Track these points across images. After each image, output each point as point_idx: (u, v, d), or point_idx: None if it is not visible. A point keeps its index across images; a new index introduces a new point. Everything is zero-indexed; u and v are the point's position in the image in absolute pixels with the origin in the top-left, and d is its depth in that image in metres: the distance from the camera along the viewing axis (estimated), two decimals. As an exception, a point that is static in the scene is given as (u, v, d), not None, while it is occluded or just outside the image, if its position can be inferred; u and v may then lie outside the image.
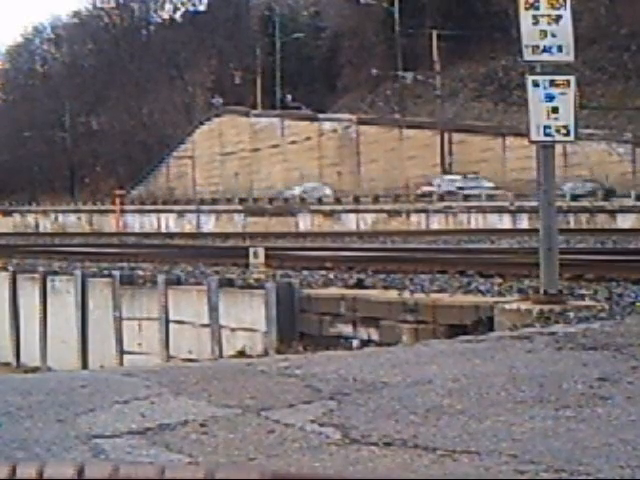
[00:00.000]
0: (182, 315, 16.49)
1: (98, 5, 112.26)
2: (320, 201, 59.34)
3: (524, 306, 9.86)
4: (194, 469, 1.44)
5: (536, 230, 11.11)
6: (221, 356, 14.62)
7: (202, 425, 5.18)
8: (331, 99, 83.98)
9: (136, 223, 66.58)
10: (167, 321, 16.78)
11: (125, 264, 22.08)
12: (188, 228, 61.60)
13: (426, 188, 56.38)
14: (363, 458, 4.49)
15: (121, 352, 18.03)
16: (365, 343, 12.24)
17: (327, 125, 74.31)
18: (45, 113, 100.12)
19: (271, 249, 20.18)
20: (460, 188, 53.41)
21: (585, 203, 42.92)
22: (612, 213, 40.77)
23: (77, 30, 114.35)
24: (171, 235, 49.19)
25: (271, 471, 1.40)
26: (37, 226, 76.55)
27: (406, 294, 12.49)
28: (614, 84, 63.34)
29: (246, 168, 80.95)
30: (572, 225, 38.51)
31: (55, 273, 21.40)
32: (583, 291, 11.49)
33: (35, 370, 17.75)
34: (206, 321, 15.74)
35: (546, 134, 9.99)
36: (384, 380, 6.26)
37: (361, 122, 71.71)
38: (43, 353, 20.59)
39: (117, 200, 68.82)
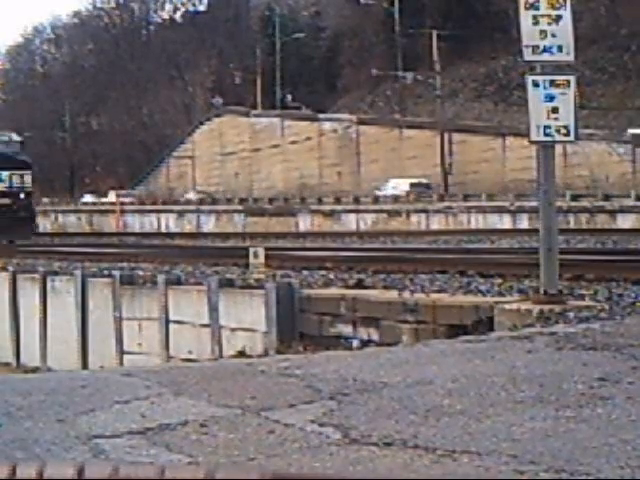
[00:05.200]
0: (182, 315, 16.48)
1: (98, 5, 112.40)
2: (320, 201, 59.46)
3: (524, 306, 9.85)
4: (194, 469, 1.44)
5: (536, 230, 11.10)
6: (221, 356, 14.61)
7: (202, 425, 5.18)
8: (331, 99, 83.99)
9: (136, 223, 66.56)
10: (167, 321, 16.77)
11: (125, 264, 22.06)
12: (188, 228, 61.59)
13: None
14: (363, 458, 4.49)
15: (121, 352, 18.02)
16: (365, 343, 12.23)
17: (327, 125, 74.31)
18: (45, 113, 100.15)
19: (271, 249, 20.17)
20: None
21: (585, 203, 42.93)
22: (612, 213, 40.77)
23: (77, 30, 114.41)
24: (171, 235, 49.18)
25: (271, 471, 1.40)
26: (37, 226, 76.50)
27: (406, 294, 12.48)
28: (614, 84, 63.35)
29: (246, 168, 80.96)
30: (572, 225, 38.51)
31: (55, 273, 21.38)
32: (583, 291, 11.48)
33: (35, 370, 17.76)
34: (206, 321, 15.74)
35: (546, 134, 9.99)
36: (384, 380, 6.26)
37: (361, 122, 71.72)
38: (43, 353, 20.58)
39: (117, 200, 68.82)
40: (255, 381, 6.43)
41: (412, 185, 59.58)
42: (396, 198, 55.82)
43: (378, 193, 60.04)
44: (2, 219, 37.81)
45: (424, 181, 60.88)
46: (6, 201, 38.85)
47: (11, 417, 5.42)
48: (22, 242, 36.19)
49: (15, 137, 42.58)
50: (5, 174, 39.15)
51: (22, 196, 39.70)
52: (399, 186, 59.99)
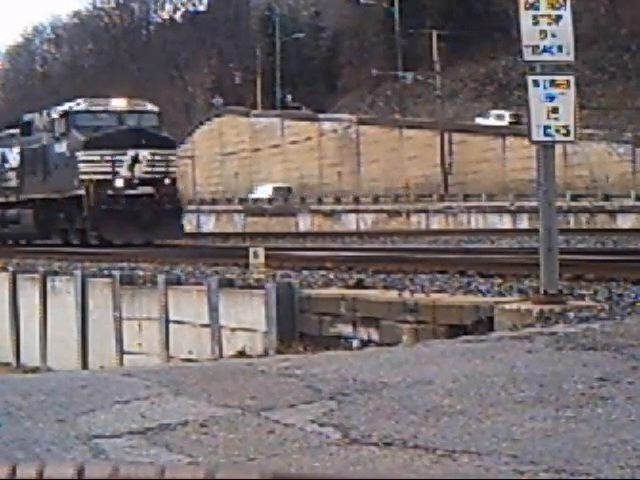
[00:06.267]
0: (182, 315, 16.48)
1: (98, 5, 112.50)
2: (320, 201, 59.54)
3: (524, 306, 9.85)
4: (194, 469, 1.44)
5: (536, 230, 11.10)
6: (221, 356, 14.61)
7: (202, 425, 5.18)
8: (331, 99, 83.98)
9: (136, 223, 66.50)
10: (167, 321, 16.77)
11: (125, 264, 22.07)
12: (188, 228, 61.57)
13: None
14: (363, 458, 4.49)
15: (121, 352, 18.02)
16: (365, 343, 12.22)
17: (327, 125, 74.29)
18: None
19: (271, 249, 20.18)
20: None
21: (585, 203, 42.95)
22: (612, 213, 40.79)
23: (77, 30, 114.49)
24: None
25: (271, 471, 1.41)
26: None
27: (406, 294, 12.47)
28: (614, 84, 63.33)
29: (246, 168, 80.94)
30: (572, 225, 38.55)
31: (55, 273, 21.38)
32: (583, 291, 11.47)
33: (35, 370, 17.76)
34: (206, 321, 15.73)
35: (546, 134, 9.98)
36: (384, 380, 6.26)
37: (361, 122, 71.70)
38: (43, 353, 20.58)
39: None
40: (255, 381, 6.43)
41: (275, 189, 67.21)
42: (256, 200, 63.57)
43: (250, 196, 67.56)
44: (143, 214, 29.12)
45: (285, 185, 69.05)
46: (147, 190, 29.83)
47: (11, 417, 5.42)
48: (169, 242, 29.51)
49: (151, 107, 33.19)
50: (144, 154, 29.88)
51: (167, 183, 30.56)
52: (266, 190, 67.54)
